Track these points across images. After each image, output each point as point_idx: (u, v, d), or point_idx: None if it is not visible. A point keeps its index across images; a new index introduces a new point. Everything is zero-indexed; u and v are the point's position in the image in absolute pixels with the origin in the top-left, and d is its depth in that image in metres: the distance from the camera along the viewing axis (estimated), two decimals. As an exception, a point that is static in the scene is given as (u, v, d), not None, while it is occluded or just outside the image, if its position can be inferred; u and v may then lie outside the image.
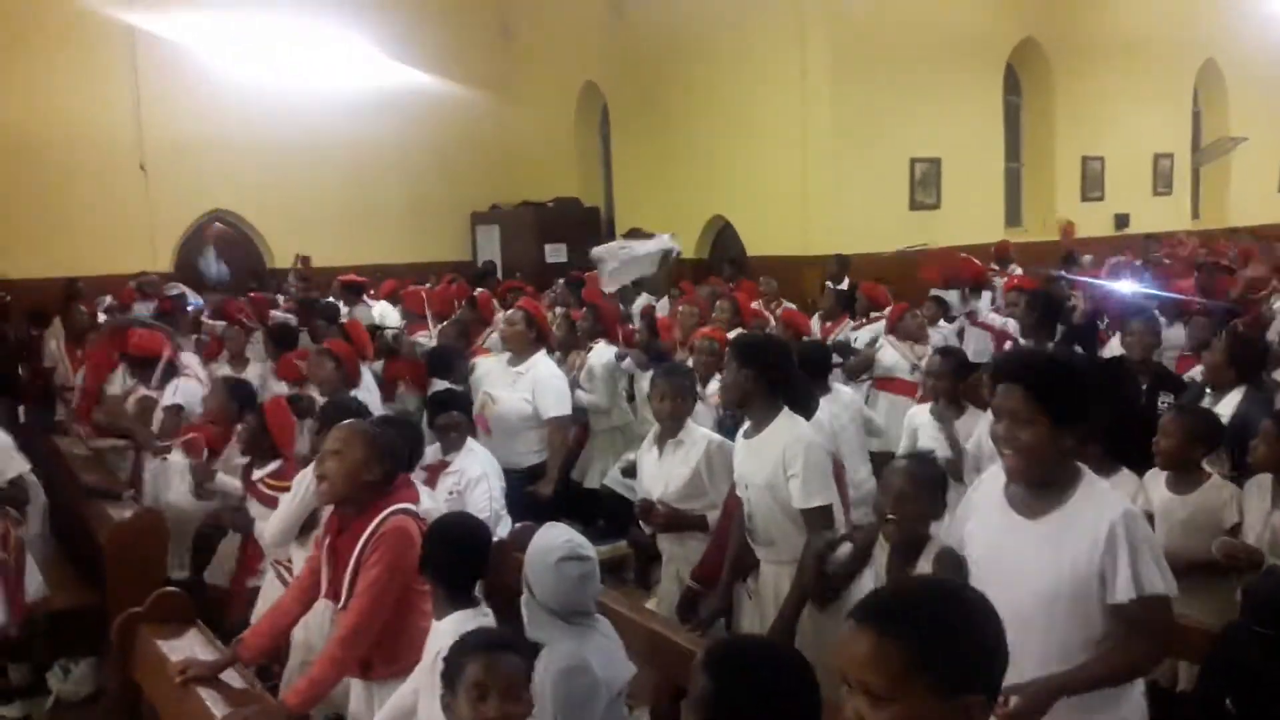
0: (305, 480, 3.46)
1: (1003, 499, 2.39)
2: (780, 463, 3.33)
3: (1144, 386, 4.74)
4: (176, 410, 5.49)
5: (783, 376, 3.50)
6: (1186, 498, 3.59)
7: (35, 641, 4.92)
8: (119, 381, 6.08)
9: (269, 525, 3.74)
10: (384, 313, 8.95)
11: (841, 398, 5.27)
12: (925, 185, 11.98)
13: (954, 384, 4.65)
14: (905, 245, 11.06)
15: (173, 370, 5.77)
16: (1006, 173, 13.17)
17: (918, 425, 4.74)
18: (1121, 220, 13.96)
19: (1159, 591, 2.23)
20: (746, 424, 3.56)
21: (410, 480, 3.25)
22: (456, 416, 4.53)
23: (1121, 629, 2.25)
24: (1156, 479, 3.70)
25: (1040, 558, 2.27)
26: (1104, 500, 2.30)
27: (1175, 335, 6.16)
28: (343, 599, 2.99)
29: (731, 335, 6.33)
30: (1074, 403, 2.27)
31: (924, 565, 2.86)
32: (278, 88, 13.05)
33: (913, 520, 2.92)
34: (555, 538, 2.75)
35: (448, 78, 13.97)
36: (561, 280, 9.00)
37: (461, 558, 2.81)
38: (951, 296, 8.42)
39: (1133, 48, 13.49)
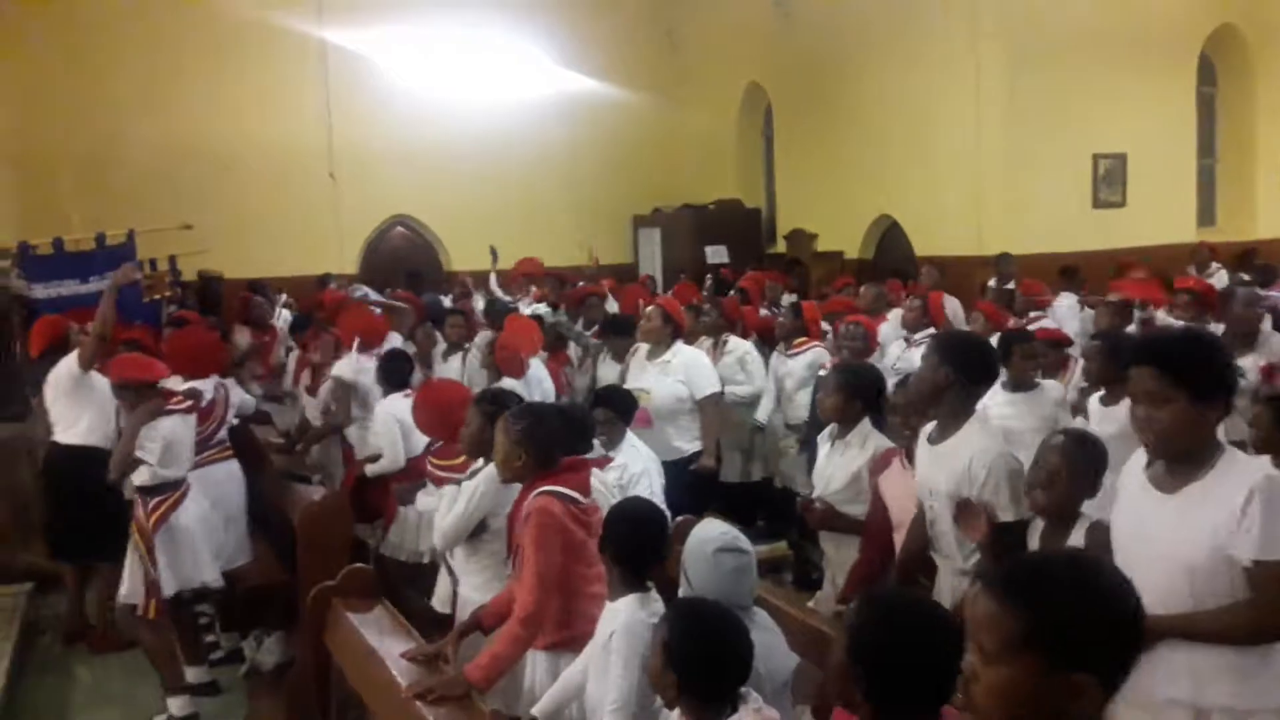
0: (478, 486, 3.56)
1: (1144, 478, 2.40)
2: (966, 474, 3.17)
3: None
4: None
5: (984, 383, 3.39)
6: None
7: (240, 613, 5.37)
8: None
9: (438, 530, 3.89)
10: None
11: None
12: (1110, 182, 11.37)
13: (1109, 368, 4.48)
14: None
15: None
16: (1200, 169, 12.34)
17: (1090, 412, 4.62)
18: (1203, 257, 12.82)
19: None
20: (931, 427, 3.40)
21: (580, 465, 3.35)
22: (605, 413, 4.63)
23: (1249, 594, 2.21)
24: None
25: (1179, 530, 2.25)
26: (1246, 468, 2.27)
27: None
28: (512, 568, 3.16)
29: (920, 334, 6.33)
30: (1210, 377, 2.27)
31: (1075, 540, 2.83)
32: (453, 96, 13.67)
33: (1064, 497, 2.87)
34: (713, 529, 2.81)
35: (612, 82, 14.27)
36: (709, 276, 9.07)
37: (640, 540, 2.91)
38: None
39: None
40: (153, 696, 4.83)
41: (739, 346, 6.48)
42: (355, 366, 5.95)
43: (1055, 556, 1.70)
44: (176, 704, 4.70)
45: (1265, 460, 2.29)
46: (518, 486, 3.32)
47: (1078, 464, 2.89)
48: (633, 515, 2.99)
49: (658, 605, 2.82)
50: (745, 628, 2.39)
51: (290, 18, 12.70)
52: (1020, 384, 4.91)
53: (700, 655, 2.27)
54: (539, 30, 13.92)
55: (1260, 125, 12.40)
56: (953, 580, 3.29)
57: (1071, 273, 8.96)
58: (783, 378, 6.35)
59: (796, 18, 12.90)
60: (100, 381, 5.22)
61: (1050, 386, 5.02)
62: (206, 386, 5.14)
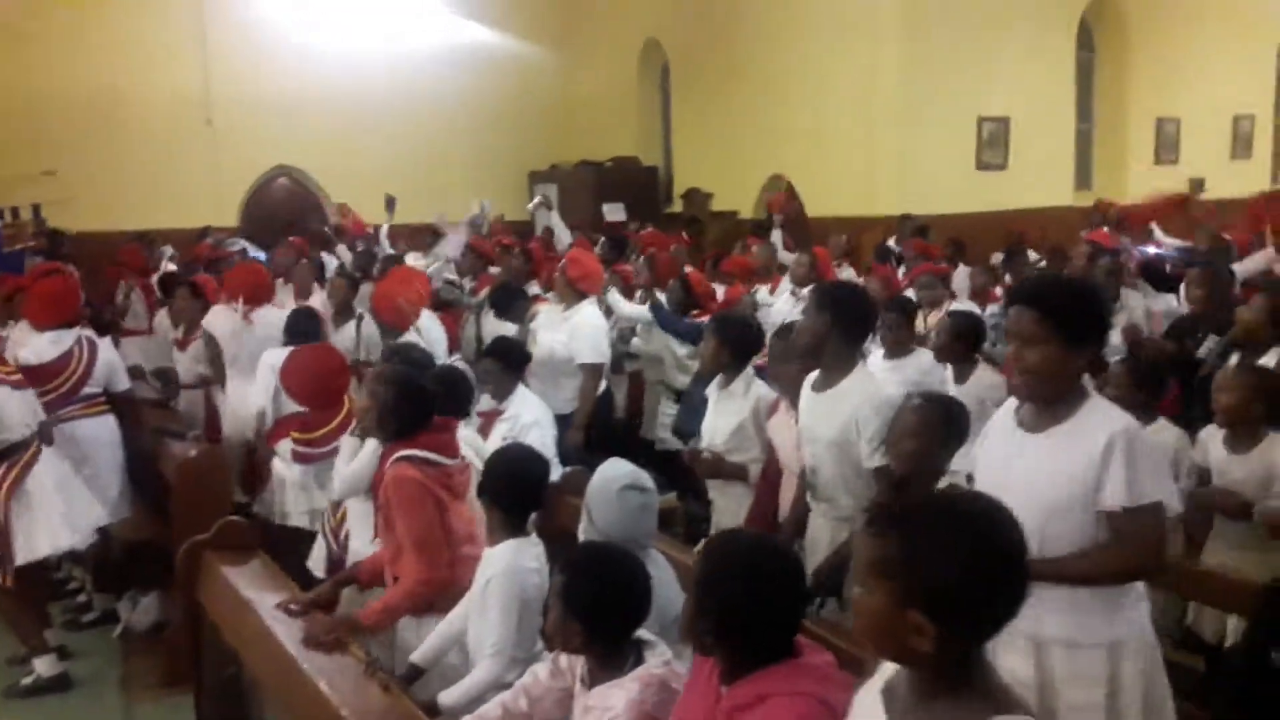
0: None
1: (1012, 420, 2.48)
2: (852, 420, 3.23)
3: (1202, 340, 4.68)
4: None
5: (862, 330, 3.44)
6: (1245, 456, 3.53)
7: (115, 573, 5.16)
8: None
9: (336, 477, 3.81)
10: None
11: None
12: (993, 145, 11.70)
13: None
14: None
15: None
16: (1077, 134, 12.80)
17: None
18: (1197, 185, 13.52)
19: (1150, 500, 2.28)
20: (815, 375, 3.44)
21: (445, 426, 3.30)
22: (492, 364, 4.59)
23: (1112, 537, 2.31)
24: (1214, 436, 3.64)
25: (1039, 470, 2.34)
26: (1108, 414, 2.35)
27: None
28: (374, 533, 3.14)
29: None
30: (1086, 324, 2.36)
31: None
32: (342, 44, 13.21)
33: (919, 455, 2.96)
34: (620, 468, 2.84)
35: (509, 34, 14.04)
36: (603, 238, 9.04)
37: (519, 484, 2.92)
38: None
39: (1214, 3, 12.99)
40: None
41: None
42: (232, 324, 5.76)
43: (942, 498, 1.73)
44: (43, 663, 4.53)
45: (1121, 412, 2.38)
46: None
47: (932, 423, 2.97)
48: (511, 459, 2.99)
49: (537, 550, 2.82)
50: (645, 570, 2.40)
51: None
52: (895, 350, 5.04)
53: (606, 599, 2.26)
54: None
55: (1133, 90, 12.93)
56: (830, 526, 3.35)
57: (959, 246, 9.15)
58: (670, 343, 6.35)
59: (693, -27, 12.84)
60: None
61: (923, 353, 5.15)
62: (66, 338, 4.88)
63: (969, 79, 11.12)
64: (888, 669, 1.56)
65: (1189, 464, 3.72)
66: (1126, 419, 2.35)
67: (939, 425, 2.98)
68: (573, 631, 2.27)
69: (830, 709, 1.81)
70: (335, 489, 3.83)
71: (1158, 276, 6.63)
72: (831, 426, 3.28)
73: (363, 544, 3.55)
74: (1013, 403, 2.53)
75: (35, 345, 4.88)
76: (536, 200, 10.11)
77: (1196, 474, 3.70)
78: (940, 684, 1.45)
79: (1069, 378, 2.36)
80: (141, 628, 4.97)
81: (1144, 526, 2.29)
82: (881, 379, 4.76)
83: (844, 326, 3.31)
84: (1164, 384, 4.04)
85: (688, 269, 7.24)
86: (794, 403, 3.63)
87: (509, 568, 2.78)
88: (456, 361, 5.58)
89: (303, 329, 5.33)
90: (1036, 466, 2.35)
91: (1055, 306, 2.33)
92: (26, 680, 4.53)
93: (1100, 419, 2.33)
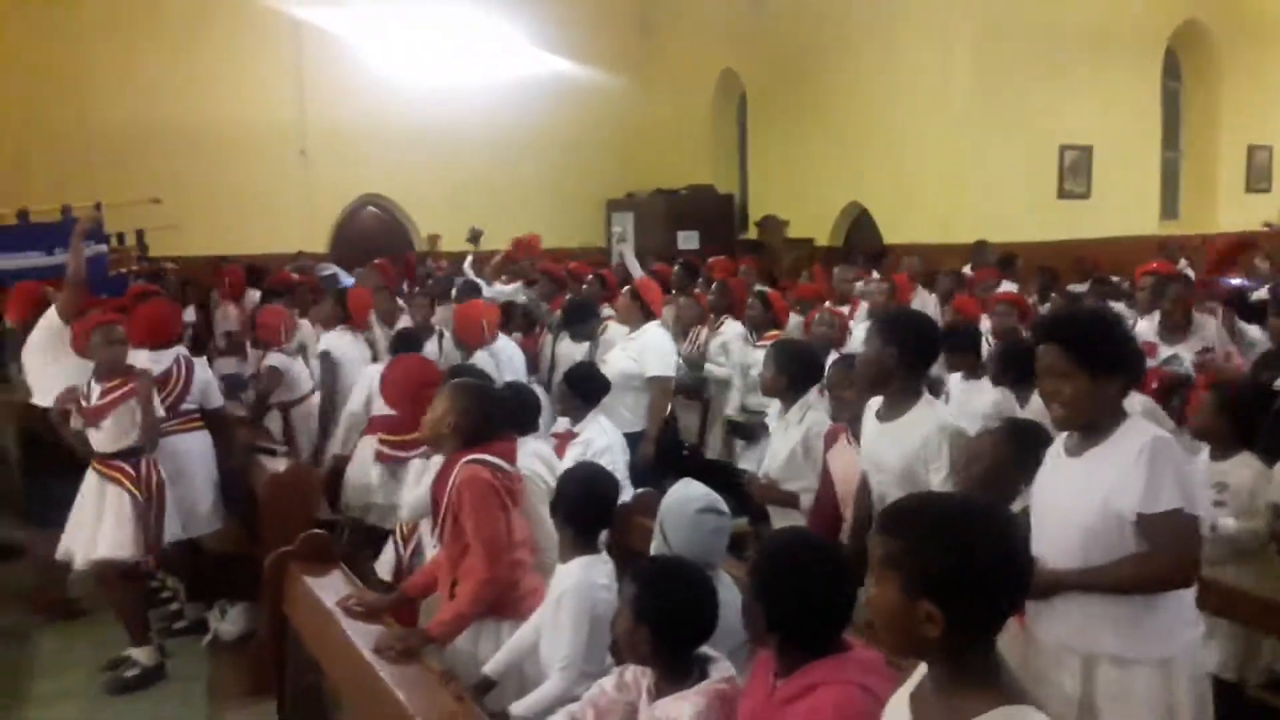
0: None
1: (1060, 447, 2.53)
2: (921, 450, 3.21)
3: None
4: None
5: (927, 360, 3.44)
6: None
7: (207, 583, 5.41)
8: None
9: (404, 503, 3.96)
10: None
11: None
12: (1075, 174, 11.54)
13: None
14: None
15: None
16: (1164, 163, 12.53)
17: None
18: (1272, 227, 13.09)
19: (1176, 506, 2.28)
20: (879, 403, 3.43)
21: (511, 440, 3.41)
22: (566, 390, 4.73)
23: (1144, 546, 2.32)
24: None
25: (1077, 491, 2.38)
26: (1142, 430, 2.38)
27: None
28: (440, 537, 3.25)
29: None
30: (1108, 354, 2.40)
31: None
32: (428, 77, 13.67)
33: (987, 480, 2.94)
34: (694, 490, 2.88)
35: (587, 65, 14.32)
36: (678, 263, 9.17)
37: (590, 503, 3.01)
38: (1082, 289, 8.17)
39: (1308, 29, 12.63)
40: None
41: (729, 330, 6.52)
42: (355, 347, 6.23)
43: (950, 498, 1.82)
44: (143, 654, 4.80)
45: (1154, 427, 2.42)
46: None
47: (999, 446, 2.96)
48: (582, 478, 3.10)
49: (607, 567, 2.90)
50: (714, 586, 2.46)
51: (266, -1, 12.64)
52: (970, 373, 5.02)
53: (675, 610, 2.33)
54: (515, 12, 13.92)
55: (1223, 120, 12.61)
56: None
57: (1008, 262, 9.09)
58: (749, 367, 6.43)
59: (770, 4, 12.96)
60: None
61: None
62: (165, 357, 5.15)
63: (1048, 107, 10.99)
64: (915, 677, 1.64)
65: (1266, 500, 3.64)
66: (1157, 431, 2.39)
67: (1007, 448, 2.97)
68: (640, 639, 2.32)
69: (873, 695, 1.90)
70: (403, 514, 3.98)
71: (1243, 307, 6.47)
72: (899, 456, 3.27)
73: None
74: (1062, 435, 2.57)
75: (137, 363, 5.17)
76: (617, 232, 10.39)
77: (1273, 510, 3.61)
78: (953, 677, 1.54)
79: (1104, 406, 2.40)
80: (229, 637, 5.16)
81: (1172, 534, 2.29)
82: (962, 401, 4.76)
83: (909, 356, 3.30)
84: (1251, 415, 3.91)
85: (766, 289, 7.33)
86: (855, 432, 3.65)
87: (580, 584, 2.86)
88: (533, 383, 5.76)
89: (407, 342, 5.68)
90: (1074, 488, 2.40)
91: (1076, 339, 2.40)
92: (129, 673, 4.78)
93: (1134, 436, 2.36)
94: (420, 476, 3.63)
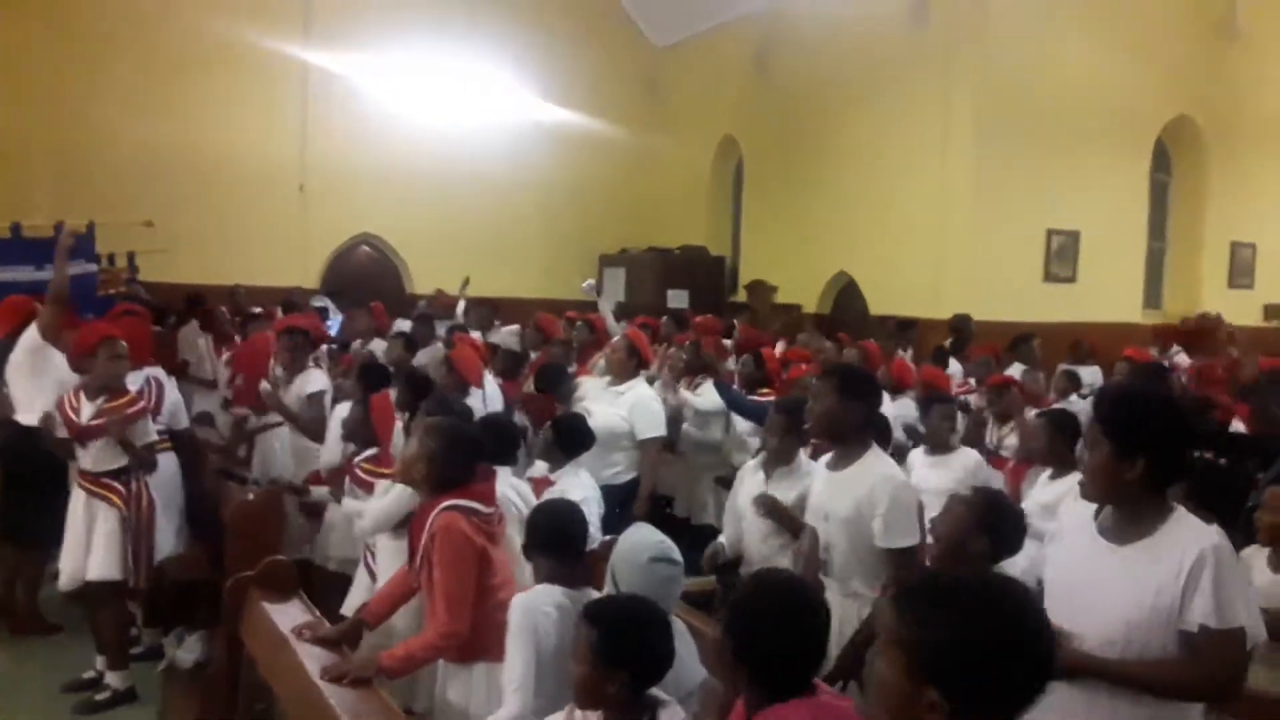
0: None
1: (1093, 526, 2.46)
2: (868, 499, 3.31)
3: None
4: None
5: (867, 408, 3.50)
6: (1290, 577, 3.46)
7: (166, 609, 5.33)
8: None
9: (367, 513, 3.95)
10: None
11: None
12: (1062, 257, 11.70)
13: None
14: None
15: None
16: (1150, 251, 12.74)
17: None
18: (1272, 310, 13.29)
19: (1235, 625, 2.23)
20: (829, 455, 3.56)
21: (489, 478, 3.43)
22: (550, 436, 4.72)
23: (1188, 655, 2.26)
24: (1258, 556, 3.58)
25: (1123, 583, 2.32)
26: (1197, 530, 2.32)
27: None
28: (417, 577, 3.22)
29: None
30: (1131, 433, 2.34)
31: None
32: (430, 120, 13.84)
33: (957, 546, 2.97)
34: (648, 537, 2.85)
35: (592, 120, 14.53)
36: (665, 316, 9.22)
37: (556, 536, 3.02)
38: (1087, 373, 8.23)
39: (1296, 132, 12.93)
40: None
41: (709, 392, 6.52)
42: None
43: (970, 578, 1.72)
44: (117, 677, 4.79)
45: (1213, 527, 2.34)
46: None
47: (973, 509, 2.98)
48: (548, 513, 3.12)
49: (558, 595, 2.88)
50: (671, 629, 2.44)
51: (277, 38, 12.87)
52: (938, 445, 5.06)
53: (638, 653, 2.30)
54: (523, 62, 14.16)
55: (1209, 215, 12.84)
56: (841, 603, 3.36)
57: (1021, 342, 9.08)
58: (737, 423, 6.45)
59: (773, 74, 13.24)
60: (59, 360, 5.22)
61: (966, 452, 5.16)
62: (137, 377, 5.14)
63: (1039, 191, 11.19)
64: None
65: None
66: (1217, 536, 2.32)
67: (978, 514, 2.99)
68: (606, 680, 2.29)
69: None
70: (365, 525, 3.96)
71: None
72: (845, 504, 3.36)
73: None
74: (1090, 507, 2.50)
75: None
76: (588, 283, 10.38)
77: None
78: None
79: (1123, 485, 2.34)
80: (184, 665, 5.07)
81: (1225, 650, 2.24)
82: (922, 475, 4.83)
83: (851, 405, 3.40)
84: (1227, 502, 3.96)
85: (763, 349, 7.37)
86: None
87: (521, 604, 2.86)
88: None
89: (376, 378, 5.58)
90: (1119, 579, 2.33)
91: (1105, 414, 2.40)
92: (101, 695, 4.74)
93: (1190, 535, 2.30)
94: (388, 489, 3.61)
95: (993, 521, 3.00)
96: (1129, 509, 2.36)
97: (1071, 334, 10.31)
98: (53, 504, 5.03)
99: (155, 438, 4.88)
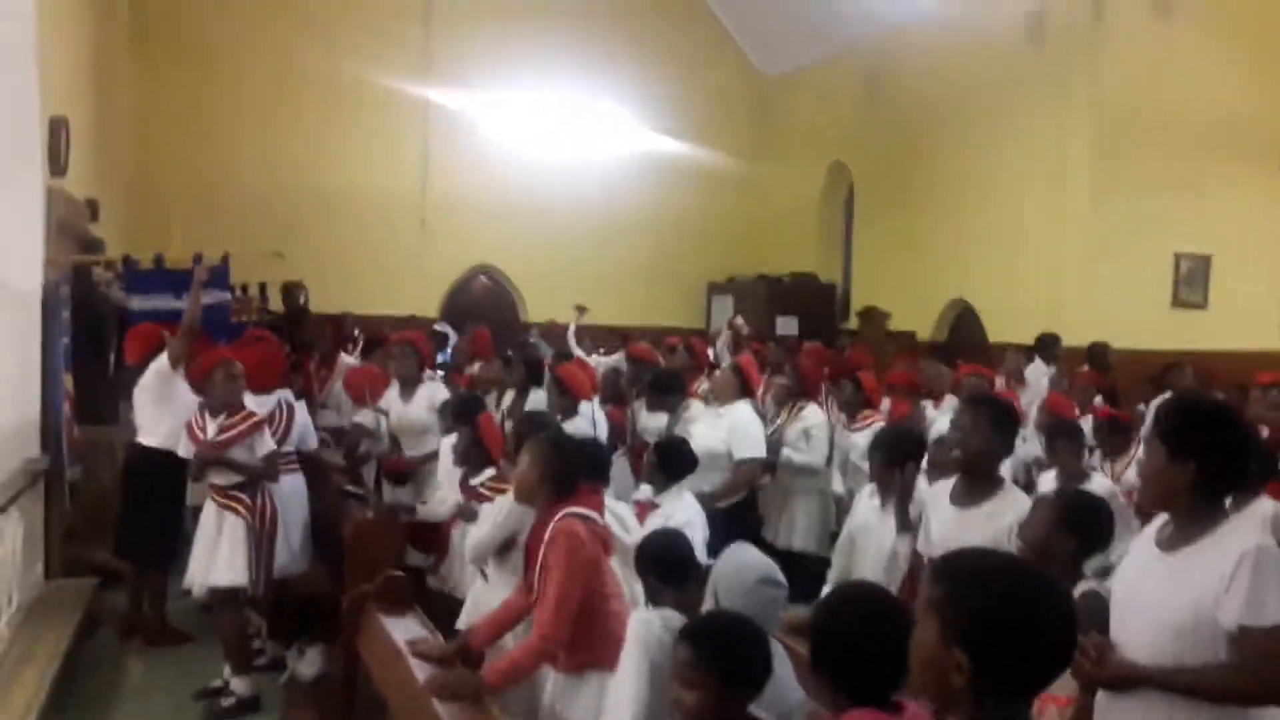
0: (506, 504, 3.73)
1: (1153, 538, 2.48)
2: (1008, 536, 3.22)
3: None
4: None
5: (1006, 443, 3.46)
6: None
7: (289, 622, 5.57)
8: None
9: (469, 540, 4.05)
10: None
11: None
12: (1190, 283, 11.19)
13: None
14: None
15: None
16: (1288, 275, 12.06)
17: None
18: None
19: (1272, 621, 2.20)
20: (951, 487, 3.46)
21: (595, 489, 3.49)
22: (653, 461, 4.77)
23: (1238, 659, 2.24)
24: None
25: (1169, 590, 2.32)
26: (1244, 534, 2.31)
27: None
28: (534, 593, 3.26)
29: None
30: (1182, 436, 2.38)
31: None
32: (545, 155, 14.23)
33: (1040, 543, 3.01)
34: (754, 557, 2.86)
35: (702, 152, 14.67)
36: (772, 343, 9.18)
37: (665, 564, 3.06)
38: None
39: None
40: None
41: (811, 416, 6.47)
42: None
43: (1005, 556, 1.84)
44: (242, 684, 5.00)
45: (1261, 532, 2.34)
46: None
47: (1060, 513, 3.02)
48: (656, 542, 3.18)
49: (671, 619, 2.90)
50: (770, 648, 2.43)
51: (400, 77, 13.48)
52: (1072, 476, 4.90)
53: (735, 659, 2.30)
54: (634, 94, 14.42)
55: (1354, 234, 12.10)
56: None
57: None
58: (846, 450, 6.39)
59: (884, 100, 13.11)
60: (184, 388, 5.52)
61: (1096, 478, 5.02)
62: (269, 401, 5.40)
63: (1164, 213, 10.74)
64: None
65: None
66: (1261, 538, 2.31)
67: (1066, 517, 3.02)
68: (702, 686, 2.28)
69: None
70: (467, 553, 4.06)
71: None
72: (987, 541, 3.22)
73: (498, 602, 3.65)
74: (1159, 520, 2.53)
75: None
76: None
77: None
78: None
79: (1175, 490, 2.37)
80: (305, 677, 5.28)
81: (1269, 647, 2.20)
82: None
83: (999, 439, 3.34)
84: None
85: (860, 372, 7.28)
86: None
87: (641, 620, 2.88)
88: (618, 457, 5.82)
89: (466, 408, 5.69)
90: (1165, 586, 2.34)
91: (1160, 418, 2.46)
92: (226, 702, 4.97)
93: (1236, 539, 2.30)
94: (493, 517, 3.70)
95: (1079, 520, 3.04)
96: (1183, 517, 2.38)
97: (1203, 362, 9.84)
98: (168, 524, 5.34)
99: (273, 447, 5.10)
